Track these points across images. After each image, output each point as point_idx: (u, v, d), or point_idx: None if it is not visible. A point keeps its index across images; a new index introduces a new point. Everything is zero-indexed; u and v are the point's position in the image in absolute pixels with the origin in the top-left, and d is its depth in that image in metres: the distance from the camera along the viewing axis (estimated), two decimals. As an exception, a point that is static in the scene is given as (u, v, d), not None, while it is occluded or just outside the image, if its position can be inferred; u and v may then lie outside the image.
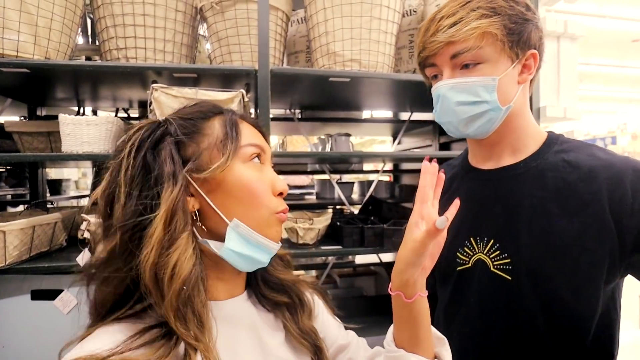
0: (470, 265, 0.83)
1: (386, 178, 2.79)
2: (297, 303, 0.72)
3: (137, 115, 1.96)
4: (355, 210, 2.26)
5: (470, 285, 0.82)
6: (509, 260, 0.77)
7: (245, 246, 0.59)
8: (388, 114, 2.45)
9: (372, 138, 5.85)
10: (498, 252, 0.78)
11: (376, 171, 2.43)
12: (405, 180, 2.65)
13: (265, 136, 0.68)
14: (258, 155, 0.62)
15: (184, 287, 0.52)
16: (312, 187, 3.20)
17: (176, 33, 1.39)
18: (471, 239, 0.83)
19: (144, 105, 1.82)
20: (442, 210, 0.92)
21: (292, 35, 1.78)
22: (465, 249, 0.84)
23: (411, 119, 2.21)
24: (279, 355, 0.65)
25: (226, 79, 1.40)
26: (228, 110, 0.65)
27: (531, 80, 0.81)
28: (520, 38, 0.75)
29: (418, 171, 2.44)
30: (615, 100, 10.22)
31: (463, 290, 0.84)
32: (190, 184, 0.58)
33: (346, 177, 3.23)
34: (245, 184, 0.59)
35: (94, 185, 0.63)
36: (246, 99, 1.31)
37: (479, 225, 0.82)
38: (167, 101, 1.25)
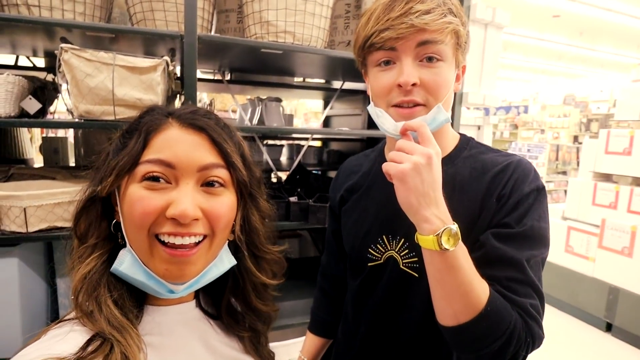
0: (382, 261, 0.85)
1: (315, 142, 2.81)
2: (260, 332, 0.75)
3: (43, 66, 1.74)
4: (284, 175, 2.27)
5: (381, 280, 0.85)
6: (416, 259, 0.79)
7: (137, 272, 0.56)
8: (321, 79, 2.43)
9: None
10: (407, 250, 0.81)
11: (305, 138, 2.44)
12: (334, 146, 2.70)
13: (219, 142, 0.59)
14: (161, 174, 0.55)
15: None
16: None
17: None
18: (384, 236, 0.84)
19: (50, 55, 1.62)
20: (356, 202, 0.93)
21: (223, -9, 1.66)
22: (378, 246, 0.85)
23: (343, 87, 2.22)
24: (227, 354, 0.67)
25: (149, 41, 1.29)
26: (157, 112, 0.61)
27: None
28: (465, 48, 0.76)
29: (346, 140, 2.46)
30: (531, 70, 11.01)
31: (373, 284, 0.87)
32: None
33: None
34: (129, 205, 0.55)
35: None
36: (170, 67, 1.22)
37: (391, 223, 0.83)
38: (79, 65, 1.13)
